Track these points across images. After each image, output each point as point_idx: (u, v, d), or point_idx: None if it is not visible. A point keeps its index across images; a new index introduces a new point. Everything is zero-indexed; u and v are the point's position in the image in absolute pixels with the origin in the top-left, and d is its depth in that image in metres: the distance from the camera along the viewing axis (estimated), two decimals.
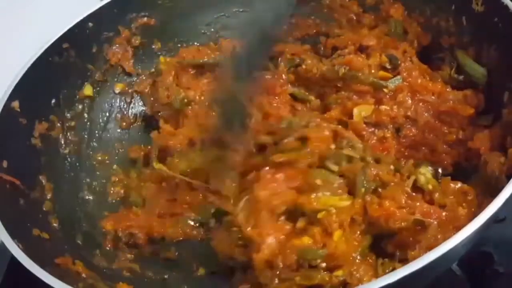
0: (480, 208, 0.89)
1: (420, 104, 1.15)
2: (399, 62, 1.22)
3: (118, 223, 1.18)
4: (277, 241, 0.93)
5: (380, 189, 0.99)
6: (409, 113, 1.15)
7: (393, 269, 0.90)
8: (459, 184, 0.99)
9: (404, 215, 0.94)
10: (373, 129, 1.16)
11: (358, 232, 0.96)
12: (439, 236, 0.90)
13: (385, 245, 0.96)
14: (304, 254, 0.92)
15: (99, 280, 1.03)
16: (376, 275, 0.91)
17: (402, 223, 0.93)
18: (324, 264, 0.91)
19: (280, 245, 0.93)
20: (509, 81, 1.04)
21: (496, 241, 1.07)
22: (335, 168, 1.02)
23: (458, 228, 0.86)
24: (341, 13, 1.42)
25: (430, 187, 0.99)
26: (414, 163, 1.05)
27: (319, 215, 0.94)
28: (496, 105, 1.06)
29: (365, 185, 0.98)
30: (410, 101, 1.15)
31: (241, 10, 1.48)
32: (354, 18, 1.41)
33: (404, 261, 0.90)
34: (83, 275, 1.02)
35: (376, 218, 0.95)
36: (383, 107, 1.16)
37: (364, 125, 1.16)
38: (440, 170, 1.01)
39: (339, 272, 0.89)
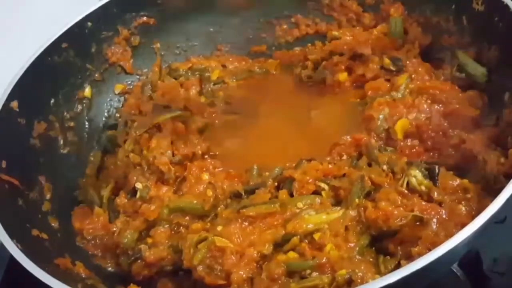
0: (480, 206, 0.90)
1: (435, 106, 1.13)
2: (402, 62, 1.22)
3: None
4: (247, 271, 0.94)
5: (373, 192, 0.99)
6: (425, 117, 1.13)
7: (398, 264, 0.91)
8: (458, 181, 0.98)
9: (402, 212, 0.93)
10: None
11: (354, 235, 0.96)
12: (442, 234, 0.90)
13: (386, 245, 0.95)
14: (291, 266, 0.92)
15: (99, 281, 1.03)
16: (379, 272, 0.91)
17: (402, 220, 0.93)
18: (315, 273, 0.91)
19: (253, 270, 0.94)
20: (509, 81, 1.04)
21: (497, 241, 1.07)
22: (325, 186, 1.03)
23: (459, 225, 0.88)
24: (340, 13, 1.42)
25: (423, 188, 0.98)
26: (407, 161, 1.04)
27: (316, 237, 0.95)
28: (497, 105, 1.06)
29: (360, 195, 0.99)
30: (425, 105, 1.13)
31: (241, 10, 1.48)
32: (354, 17, 1.41)
33: (409, 258, 0.90)
34: (83, 275, 1.02)
35: (373, 220, 0.95)
36: (411, 116, 1.13)
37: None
38: (437, 168, 1.00)
39: (342, 272, 0.89)
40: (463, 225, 0.80)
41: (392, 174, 1.02)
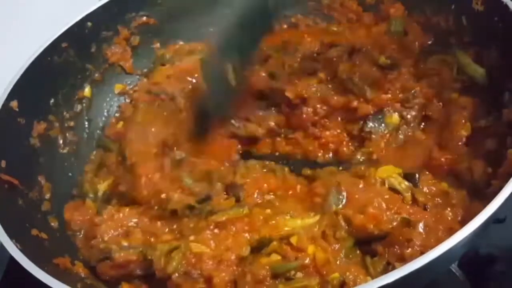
0: (467, 211, 0.93)
1: None
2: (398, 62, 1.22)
3: None
4: (229, 274, 0.95)
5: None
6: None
7: (386, 265, 0.93)
8: (439, 185, 1.00)
9: (391, 215, 0.95)
10: None
11: (333, 239, 0.97)
12: (432, 239, 0.91)
13: (374, 247, 0.96)
14: (275, 269, 0.93)
15: (99, 280, 1.03)
16: (369, 274, 0.92)
17: (394, 223, 0.94)
18: (300, 274, 0.92)
19: (234, 273, 0.95)
20: (509, 81, 1.04)
21: (496, 241, 1.07)
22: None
23: (447, 230, 0.90)
24: (341, 13, 1.42)
25: (403, 186, 1.00)
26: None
27: (292, 240, 0.96)
28: (497, 105, 1.06)
29: (337, 202, 1.00)
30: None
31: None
32: (354, 17, 1.41)
33: (401, 260, 0.92)
34: (82, 275, 1.02)
35: (361, 226, 0.96)
36: None
37: None
38: (417, 175, 1.02)
39: (336, 275, 0.90)
40: (450, 230, 0.82)
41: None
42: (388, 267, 0.92)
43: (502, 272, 1.05)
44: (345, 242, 0.97)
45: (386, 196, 0.98)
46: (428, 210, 0.97)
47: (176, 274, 0.96)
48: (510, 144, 0.97)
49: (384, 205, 0.97)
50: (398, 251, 0.93)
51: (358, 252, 0.97)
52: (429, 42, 1.27)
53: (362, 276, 0.90)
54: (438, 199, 0.99)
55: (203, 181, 1.11)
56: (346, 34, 1.33)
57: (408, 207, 0.97)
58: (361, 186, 1.02)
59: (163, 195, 1.09)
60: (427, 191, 1.01)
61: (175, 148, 1.19)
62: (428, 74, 1.21)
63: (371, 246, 0.96)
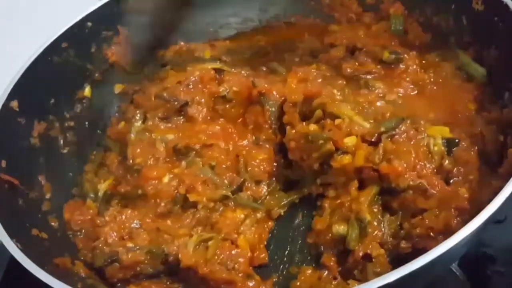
0: (481, 190, 0.94)
1: None
2: (402, 56, 1.21)
3: None
4: None
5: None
6: None
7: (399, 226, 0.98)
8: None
9: (411, 176, 0.97)
10: None
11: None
12: (441, 216, 0.93)
13: (390, 202, 1.00)
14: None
15: (99, 280, 1.03)
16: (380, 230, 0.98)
17: (411, 182, 0.97)
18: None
19: None
20: (509, 81, 1.04)
21: (496, 241, 1.07)
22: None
23: (458, 209, 0.92)
24: (341, 12, 1.42)
25: (435, 149, 1.00)
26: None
27: (337, 122, 1.04)
28: (497, 105, 1.06)
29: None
30: None
31: (241, 9, 1.48)
32: (354, 17, 1.41)
33: (409, 239, 0.96)
34: (83, 275, 1.02)
35: (385, 175, 0.99)
36: None
37: None
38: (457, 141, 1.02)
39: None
40: (461, 210, 0.86)
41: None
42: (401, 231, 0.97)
43: (501, 272, 1.05)
44: (372, 188, 1.01)
45: (416, 155, 0.99)
46: (451, 183, 0.98)
47: (208, 266, 0.98)
48: (510, 144, 0.98)
49: (411, 161, 0.98)
50: (409, 214, 0.97)
51: (380, 204, 1.01)
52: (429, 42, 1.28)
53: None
54: (461, 168, 0.99)
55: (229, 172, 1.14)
56: (346, 34, 1.32)
57: (430, 174, 0.98)
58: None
59: (180, 188, 1.10)
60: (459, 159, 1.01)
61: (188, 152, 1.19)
62: (434, 65, 1.20)
63: (390, 202, 1.00)
